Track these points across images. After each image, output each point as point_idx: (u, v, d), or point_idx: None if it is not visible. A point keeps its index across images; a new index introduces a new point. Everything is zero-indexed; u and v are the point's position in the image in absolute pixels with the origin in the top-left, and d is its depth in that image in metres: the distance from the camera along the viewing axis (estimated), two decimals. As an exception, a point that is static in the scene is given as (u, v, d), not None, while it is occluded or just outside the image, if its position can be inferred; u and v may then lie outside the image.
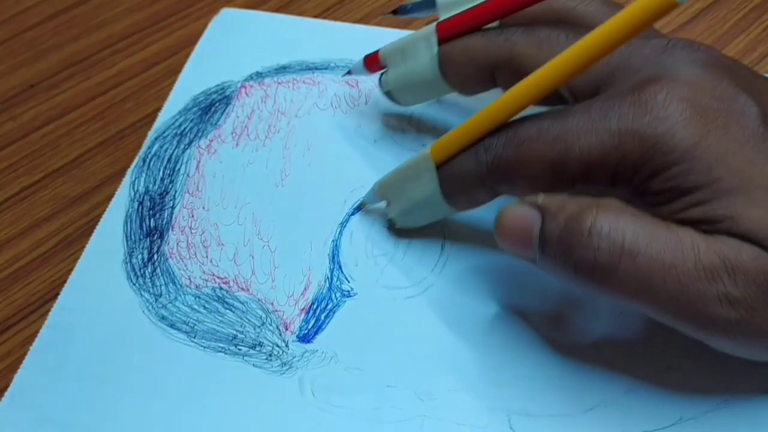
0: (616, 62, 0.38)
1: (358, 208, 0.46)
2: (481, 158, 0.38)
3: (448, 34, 0.44)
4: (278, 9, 0.59)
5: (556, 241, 0.35)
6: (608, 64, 0.38)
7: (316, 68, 0.54)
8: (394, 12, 0.48)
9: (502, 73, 0.42)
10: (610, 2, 0.43)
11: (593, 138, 0.35)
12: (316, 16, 0.58)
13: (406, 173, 0.42)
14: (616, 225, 0.34)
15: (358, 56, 0.49)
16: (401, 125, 0.50)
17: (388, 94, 0.47)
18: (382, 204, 0.45)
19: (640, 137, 0.34)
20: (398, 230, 0.45)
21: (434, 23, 0.44)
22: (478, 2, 0.43)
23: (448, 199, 0.41)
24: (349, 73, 0.50)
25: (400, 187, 0.43)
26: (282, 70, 0.54)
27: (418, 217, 0.44)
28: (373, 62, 0.47)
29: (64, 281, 0.45)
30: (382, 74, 0.47)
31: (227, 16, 0.58)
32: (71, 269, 0.45)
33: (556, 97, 0.40)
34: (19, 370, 0.41)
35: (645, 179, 0.35)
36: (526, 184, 0.38)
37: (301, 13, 0.58)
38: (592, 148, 0.35)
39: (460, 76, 0.44)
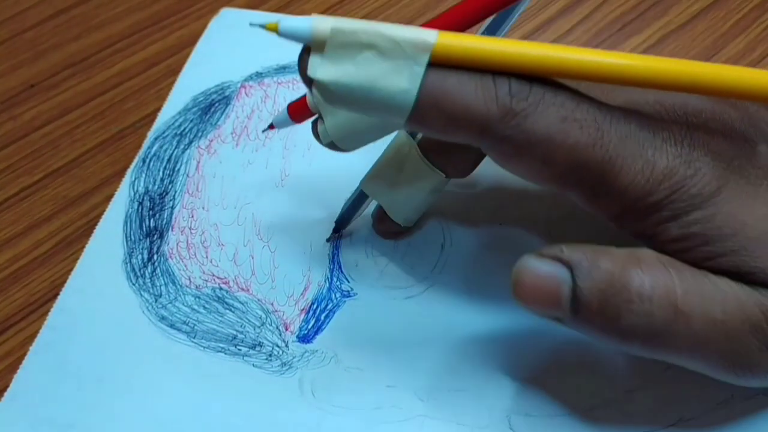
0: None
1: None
2: (496, 95, 0.32)
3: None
4: (278, 9, 0.59)
5: (597, 305, 0.32)
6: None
7: (316, 68, 0.53)
8: (335, 231, 0.46)
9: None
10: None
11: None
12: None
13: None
14: (666, 285, 0.32)
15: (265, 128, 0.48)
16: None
17: (330, 145, 0.40)
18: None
19: (671, 176, 0.32)
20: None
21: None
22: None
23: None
24: (270, 127, 0.45)
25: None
26: (282, 70, 0.54)
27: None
28: (299, 110, 0.43)
29: (64, 281, 0.45)
30: (314, 122, 0.40)
31: (227, 16, 0.58)
32: (71, 269, 0.45)
33: None
34: (18, 370, 0.41)
35: (661, 222, 0.33)
36: (533, 164, 0.33)
37: (300, 14, 0.58)
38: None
39: (447, 163, 0.41)
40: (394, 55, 0.31)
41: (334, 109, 0.38)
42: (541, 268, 0.33)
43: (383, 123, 0.38)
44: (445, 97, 0.31)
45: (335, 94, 0.32)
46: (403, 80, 0.31)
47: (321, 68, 0.32)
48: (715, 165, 0.32)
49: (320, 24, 0.32)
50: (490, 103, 0.31)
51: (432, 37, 0.30)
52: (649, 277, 0.31)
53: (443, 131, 0.32)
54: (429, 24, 0.35)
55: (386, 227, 0.45)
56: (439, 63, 0.31)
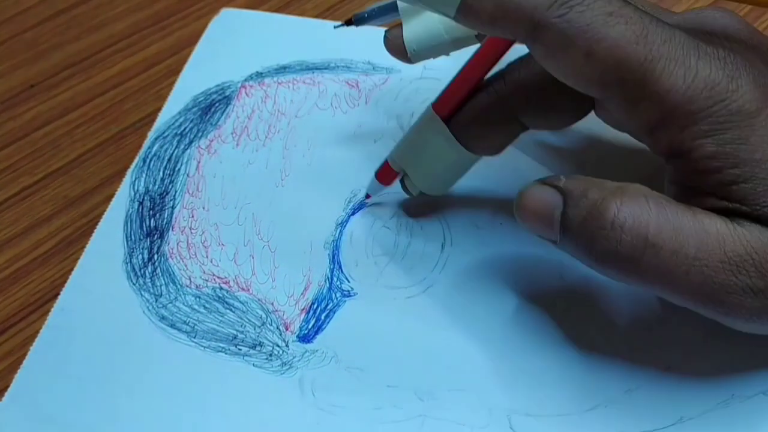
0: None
1: (359, 208, 0.46)
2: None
3: (449, 108, 0.42)
4: (278, 9, 0.59)
5: (578, 229, 0.34)
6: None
7: (316, 68, 0.54)
8: (348, 22, 0.46)
9: (526, 118, 0.42)
10: None
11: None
12: (316, 17, 0.58)
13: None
14: (640, 216, 0.33)
15: (359, 56, 0.49)
16: (401, 125, 0.50)
17: (420, 195, 0.45)
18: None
19: (713, 86, 0.33)
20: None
21: (429, 108, 0.43)
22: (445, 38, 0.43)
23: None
24: (367, 197, 0.47)
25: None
26: (282, 70, 0.54)
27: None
28: (386, 174, 0.45)
29: (64, 281, 0.45)
30: (402, 181, 0.45)
31: (227, 16, 0.58)
32: (71, 269, 0.45)
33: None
34: (19, 370, 0.41)
35: (698, 136, 0.33)
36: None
37: (301, 14, 0.58)
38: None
39: (487, 144, 0.43)
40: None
41: (414, 163, 0.44)
42: (540, 193, 0.36)
43: (460, 163, 0.43)
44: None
45: None
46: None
47: None
48: (757, 87, 0.33)
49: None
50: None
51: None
52: (626, 207, 0.33)
53: (491, 22, 0.34)
54: (437, 105, 0.42)
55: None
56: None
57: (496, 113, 0.41)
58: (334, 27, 0.46)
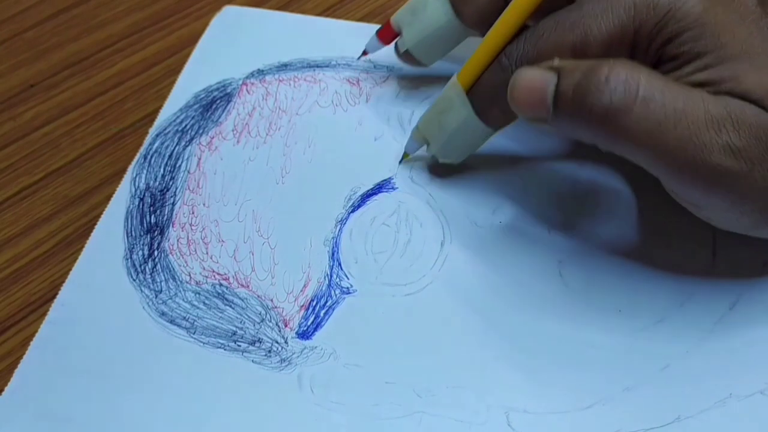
0: None
1: (359, 206, 0.46)
2: (504, 65, 0.41)
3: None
4: (279, 7, 0.59)
5: (572, 93, 0.36)
6: None
7: (318, 66, 0.54)
8: (364, 53, 0.52)
9: None
10: None
11: (611, 15, 0.38)
12: (317, 15, 0.59)
13: (439, 107, 0.44)
14: (632, 74, 0.35)
15: (360, 54, 0.49)
16: (401, 123, 0.50)
17: (406, 55, 0.49)
18: (423, 151, 0.47)
19: (655, 6, 0.37)
20: (441, 170, 0.47)
21: None
22: None
23: (481, 116, 0.43)
24: (364, 53, 0.51)
25: (436, 121, 0.45)
26: (283, 67, 0.54)
27: (458, 148, 0.45)
28: (385, 33, 0.49)
29: (64, 281, 0.45)
30: (397, 41, 0.49)
31: (229, 13, 0.58)
32: (71, 269, 0.45)
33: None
34: (19, 365, 0.41)
35: (660, 46, 0.38)
36: None
37: (302, 12, 0.59)
38: (610, 25, 0.38)
39: (473, 9, 0.45)
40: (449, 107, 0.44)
41: (410, 24, 0.48)
42: (534, 72, 0.38)
43: (449, 34, 0.47)
44: (483, 89, 0.42)
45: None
46: (460, 110, 0.43)
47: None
48: None
49: (413, 134, 0.47)
50: (504, 72, 0.40)
51: (453, 80, 0.43)
52: (618, 66, 0.36)
53: (495, 102, 0.42)
54: None
55: None
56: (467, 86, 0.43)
57: None
58: (357, 58, 0.52)
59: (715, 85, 0.36)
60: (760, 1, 0.38)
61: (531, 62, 0.39)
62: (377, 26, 0.50)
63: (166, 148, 0.50)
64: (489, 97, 0.42)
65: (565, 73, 0.37)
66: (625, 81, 0.35)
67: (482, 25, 0.46)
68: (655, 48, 0.38)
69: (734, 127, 0.35)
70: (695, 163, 0.35)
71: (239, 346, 0.41)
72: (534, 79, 0.38)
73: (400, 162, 0.48)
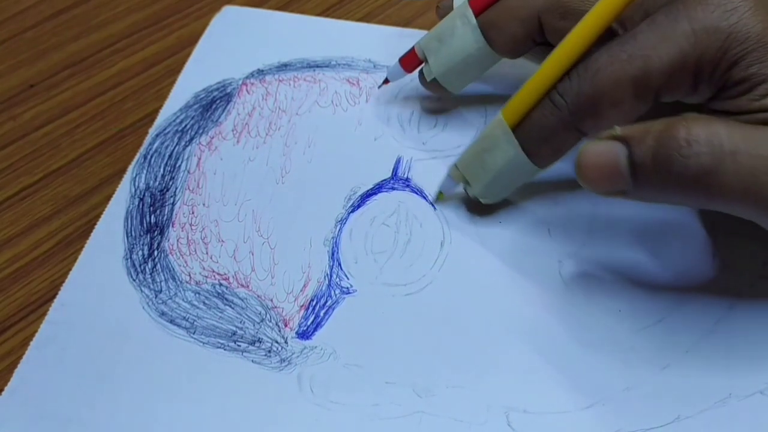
0: None
1: (359, 206, 0.46)
2: (559, 103, 0.39)
3: (481, 5, 0.45)
4: (279, 7, 0.59)
5: (651, 161, 0.35)
6: None
7: (318, 66, 0.54)
8: (385, 81, 0.51)
9: (548, 19, 0.43)
10: None
11: (670, 44, 0.36)
12: (317, 15, 0.59)
13: (483, 145, 0.43)
14: (711, 129, 0.34)
15: (359, 54, 0.50)
16: (401, 123, 0.50)
17: (433, 84, 0.48)
18: (460, 188, 0.46)
19: (715, 31, 0.36)
20: (477, 207, 0.46)
21: (465, 1, 0.46)
22: None
23: (532, 157, 0.42)
24: (386, 81, 0.51)
25: (478, 161, 0.43)
26: (283, 67, 0.54)
27: (503, 187, 0.44)
28: (409, 60, 0.48)
29: (64, 281, 0.45)
30: (421, 69, 0.48)
31: (229, 13, 0.59)
32: (71, 269, 0.45)
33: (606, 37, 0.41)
34: (19, 365, 0.41)
35: (726, 71, 0.36)
36: (611, 111, 0.38)
37: (302, 12, 0.59)
38: (671, 54, 0.36)
39: (506, 37, 0.45)
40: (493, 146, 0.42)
41: (437, 51, 0.47)
42: (599, 146, 0.37)
43: (478, 61, 0.46)
44: (535, 128, 0.41)
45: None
46: (508, 149, 0.42)
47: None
48: (757, 10, 0.36)
49: (450, 172, 0.45)
50: (560, 110, 0.39)
51: (499, 117, 0.41)
52: (694, 125, 0.34)
53: (548, 143, 0.41)
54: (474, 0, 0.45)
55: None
56: (513, 124, 0.41)
57: (521, 10, 0.44)
58: (378, 87, 0.52)
59: None
60: None
61: (589, 100, 0.38)
62: (377, 26, 0.50)
63: (166, 148, 0.50)
64: (541, 138, 0.41)
65: (635, 141, 0.36)
66: (708, 140, 0.34)
67: (514, 53, 0.46)
68: (720, 73, 0.36)
69: None
70: None
71: (239, 346, 0.41)
72: (602, 153, 0.36)
73: (434, 202, 0.46)
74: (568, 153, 0.41)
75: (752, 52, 0.35)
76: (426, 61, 0.47)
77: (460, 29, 0.45)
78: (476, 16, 0.45)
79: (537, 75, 0.40)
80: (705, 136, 0.34)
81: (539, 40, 0.44)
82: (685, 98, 0.38)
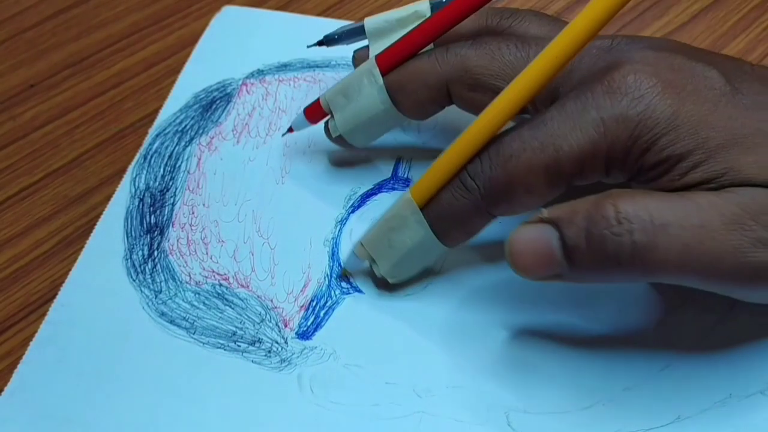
0: (568, 66, 0.39)
1: (359, 206, 0.46)
2: (470, 186, 0.38)
3: (389, 64, 0.44)
4: (279, 7, 0.59)
5: (585, 244, 0.34)
6: None
7: (317, 66, 0.54)
8: (320, 43, 0.49)
9: (457, 89, 0.42)
10: (542, 15, 0.44)
11: (579, 133, 0.36)
12: (317, 15, 0.59)
13: (390, 224, 0.41)
14: (637, 204, 0.34)
15: (284, 131, 0.49)
16: (401, 124, 0.50)
17: (338, 139, 0.46)
18: (366, 265, 0.44)
19: (624, 120, 0.35)
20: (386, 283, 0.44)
21: (372, 58, 0.44)
22: (409, 29, 0.44)
23: (442, 238, 0.40)
24: (290, 130, 0.49)
25: (385, 240, 0.42)
26: (283, 67, 0.54)
27: (410, 267, 0.43)
28: (314, 112, 0.47)
29: (64, 281, 0.45)
30: (327, 122, 0.47)
31: (229, 13, 0.59)
32: (71, 269, 0.45)
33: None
34: (19, 365, 0.41)
35: (638, 157, 0.36)
36: (525, 197, 0.38)
37: (302, 12, 0.59)
38: (581, 142, 0.36)
39: (412, 101, 0.44)
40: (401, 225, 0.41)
41: (343, 108, 0.45)
42: (529, 233, 0.36)
43: (384, 120, 0.45)
44: (445, 209, 0.39)
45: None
46: (416, 230, 0.40)
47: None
48: (665, 94, 0.36)
49: (355, 249, 0.43)
50: (471, 193, 0.39)
51: (407, 196, 0.40)
52: (620, 202, 0.34)
53: (459, 226, 0.40)
54: (381, 56, 0.44)
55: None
56: (423, 203, 0.40)
57: (430, 76, 0.43)
58: (307, 47, 0.49)
59: (714, 182, 0.35)
60: (725, 78, 0.37)
61: (501, 186, 0.37)
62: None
63: (166, 148, 0.50)
64: (452, 221, 0.40)
65: (565, 223, 0.35)
66: (636, 216, 0.34)
67: (422, 116, 0.45)
68: (633, 159, 0.36)
69: (754, 220, 0.33)
70: (734, 269, 0.34)
71: (239, 346, 0.41)
72: (533, 240, 0.36)
73: (339, 278, 0.45)
74: (478, 234, 0.41)
75: (663, 136, 0.35)
76: (332, 115, 0.46)
77: (367, 88, 0.44)
78: (384, 74, 0.44)
79: (446, 154, 0.39)
80: (633, 211, 0.34)
81: (446, 104, 0.44)
82: (602, 179, 0.38)
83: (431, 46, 0.43)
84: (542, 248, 0.35)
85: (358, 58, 0.47)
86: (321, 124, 0.47)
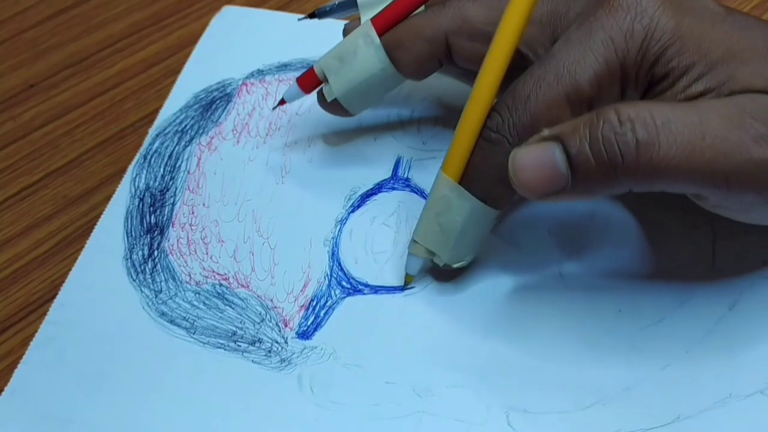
0: (563, 9, 0.41)
1: (359, 206, 0.46)
2: (497, 139, 0.38)
3: (385, 25, 0.44)
4: (279, 7, 0.60)
5: (589, 149, 0.35)
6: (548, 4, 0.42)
7: (317, 66, 0.54)
8: (311, 15, 0.49)
9: (456, 40, 0.43)
10: None
11: (592, 55, 0.37)
12: (316, 15, 0.59)
13: (435, 210, 0.40)
14: (637, 108, 0.34)
15: (275, 104, 0.50)
16: (401, 123, 0.50)
17: (333, 105, 0.46)
18: (428, 263, 0.44)
19: (632, 34, 0.36)
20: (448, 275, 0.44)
21: (367, 21, 0.45)
22: None
23: (490, 201, 0.40)
24: (281, 102, 0.48)
25: (435, 227, 0.41)
26: (283, 67, 0.54)
27: (468, 244, 0.42)
28: (307, 80, 0.46)
29: (64, 281, 0.45)
30: (320, 90, 0.47)
31: (229, 13, 0.59)
32: (71, 269, 0.45)
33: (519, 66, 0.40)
34: (19, 365, 0.41)
35: (648, 70, 0.37)
36: None
37: (302, 12, 0.58)
38: (596, 64, 0.36)
39: (411, 57, 0.44)
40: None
41: (338, 71, 0.45)
42: (532, 150, 0.36)
43: (382, 81, 0.45)
44: (481, 172, 0.39)
45: None
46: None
47: None
48: (666, 8, 0.37)
49: (414, 248, 0.42)
50: (502, 147, 0.38)
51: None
52: (621, 107, 0.35)
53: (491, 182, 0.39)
54: (377, 19, 0.45)
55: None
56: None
57: (428, 29, 0.43)
58: (299, 20, 0.50)
59: (715, 91, 0.35)
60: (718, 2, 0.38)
61: (528, 128, 0.37)
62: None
63: (166, 148, 0.50)
64: (492, 179, 0.39)
65: (567, 136, 0.35)
66: (638, 116, 0.34)
67: (420, 73, 0.45)
68: (644, 73, 0.37)
69: (754, 118, 0.34)
70: (738, 165, 0.34)
71: (239, 346, 0.41)
72: (536, 155, 0.35)
73: (403, 288, 0.44)
74: None
75: (670, 47, 0.36)
76: (326, 81, 0.46)
77: (363, 49, 0.44)
78: (380, 35, 0.44)
79: (463, 121, 0.39)
80: (635, 112, 0.34)
81: (445, 61, 0.44)
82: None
83: (423, 8, 0.44)
84: (546, 162, 0.35)
85: (349, 30, 0.47)
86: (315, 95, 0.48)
